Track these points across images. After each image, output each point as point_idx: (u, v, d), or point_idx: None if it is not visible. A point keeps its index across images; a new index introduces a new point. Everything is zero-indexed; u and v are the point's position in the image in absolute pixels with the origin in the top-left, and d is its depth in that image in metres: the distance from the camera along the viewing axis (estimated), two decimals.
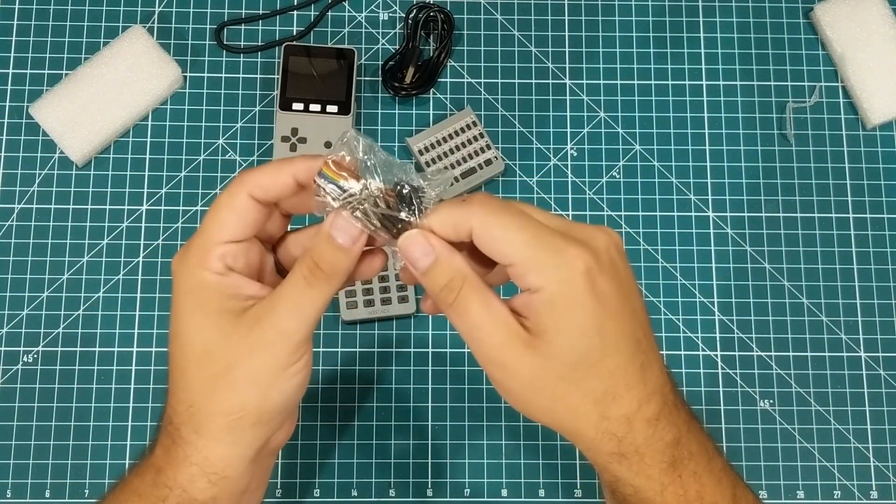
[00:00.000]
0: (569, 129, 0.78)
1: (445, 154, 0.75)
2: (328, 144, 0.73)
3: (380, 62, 0.78)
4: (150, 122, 0.76)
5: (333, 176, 0.40)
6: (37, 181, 0.75)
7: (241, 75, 0.78)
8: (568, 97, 0.78)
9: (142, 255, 0.74)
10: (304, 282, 0.42)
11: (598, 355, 0.41)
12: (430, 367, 0.72)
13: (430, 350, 0.73)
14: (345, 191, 0.40)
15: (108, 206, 0.75)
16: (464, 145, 0.75)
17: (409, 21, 0.77)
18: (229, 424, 0.43)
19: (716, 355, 0.73)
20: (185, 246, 0.43)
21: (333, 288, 0.42)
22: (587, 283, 0.40)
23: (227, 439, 0.43)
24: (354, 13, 0.79)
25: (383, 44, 0.79)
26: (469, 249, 0.44)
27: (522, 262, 0.40)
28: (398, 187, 0.41)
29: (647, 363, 0.43)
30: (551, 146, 0.77)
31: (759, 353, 0.73)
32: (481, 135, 0.75)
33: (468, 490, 0.70)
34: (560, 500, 0.70)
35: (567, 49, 0.79)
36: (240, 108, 0.77)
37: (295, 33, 0.79)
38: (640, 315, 0.43)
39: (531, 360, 0.41)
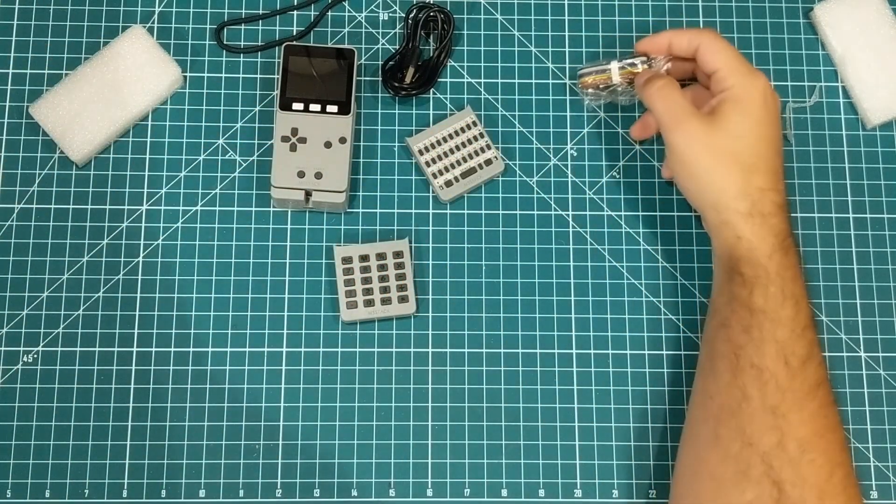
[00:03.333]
0: (569, 129, 0.78)
1: (445, 154, 0.75)
2: (328, 144, 0.73)
3: (380, 62, 0.78)
4: (150, 122, 0.76)
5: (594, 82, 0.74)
6: (37, 181, 0.75)
7: (241, 75, 0.78)
8: (568, 97, 0.78)
9: (142, 255, 0.74)
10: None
11: (754, 138, 0.64)
12: (430, 367, 0.72)
13: (430, 350, 0.73)
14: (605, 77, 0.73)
15: (108, 206, 0.75)
16: (464, 145, 0.75)
17: (409, 21, 0.77)
18: None
19: None
20: None
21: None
22: (763, 96, 0.64)
23: None
24: (354, 13, 0.79)
25: (383, 44, 0.79)
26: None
27: (729, 69, 0.65)
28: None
29: (783, 175, 0.65)
30: (551, 146, 0.77)
31: None
32: (481, 135, 0.75)
33: (468, 490, 0.70)
34: (560, 500, 0.70)
35: (567, 49, 0.79)
36: (240, 108, 0.77)
37: (295, 33, 0.79)
38: (781, 144, 0.66)
39: (710, 129, 0.64)
